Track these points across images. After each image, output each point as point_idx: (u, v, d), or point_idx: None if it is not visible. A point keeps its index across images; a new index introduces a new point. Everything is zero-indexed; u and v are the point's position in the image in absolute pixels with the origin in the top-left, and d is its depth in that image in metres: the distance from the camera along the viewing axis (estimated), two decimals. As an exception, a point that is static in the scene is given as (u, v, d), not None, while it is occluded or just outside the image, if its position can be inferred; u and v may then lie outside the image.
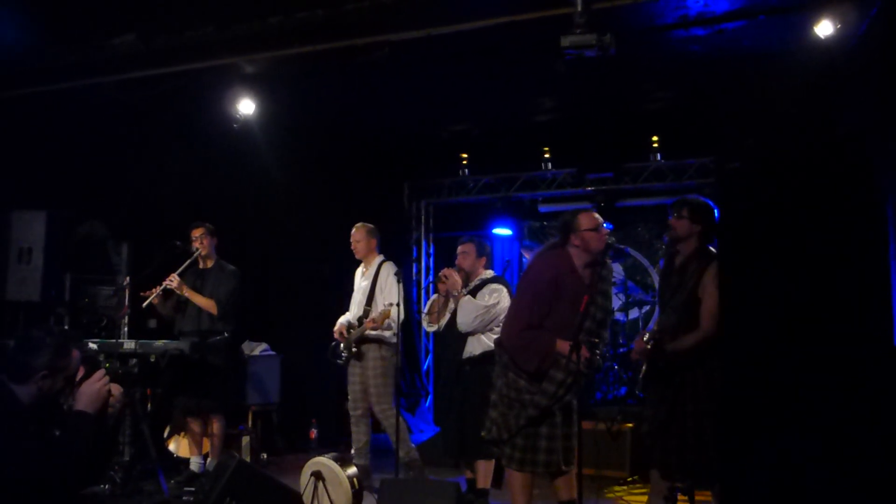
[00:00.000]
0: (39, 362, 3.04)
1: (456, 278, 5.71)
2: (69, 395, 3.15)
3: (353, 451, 6.34)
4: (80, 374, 3.15)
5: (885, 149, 3.69)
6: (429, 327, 6.19)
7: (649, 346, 4.38)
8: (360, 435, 6.37)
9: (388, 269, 6.37)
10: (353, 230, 6.53)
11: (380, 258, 6.50)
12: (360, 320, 6.30)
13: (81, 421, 3.03)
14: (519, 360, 4.55)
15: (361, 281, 6.52)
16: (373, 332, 6.20)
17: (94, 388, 3.09)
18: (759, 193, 3.22)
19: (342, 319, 6.53)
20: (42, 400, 3.06)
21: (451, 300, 5.79)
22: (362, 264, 6.59)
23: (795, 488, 2.97)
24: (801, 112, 5.88)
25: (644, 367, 4.52)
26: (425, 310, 6.29)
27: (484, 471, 5.60)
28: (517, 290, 4.86)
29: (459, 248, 5.89)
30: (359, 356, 6.28)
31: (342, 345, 6.39)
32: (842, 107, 5.11)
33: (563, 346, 4.39)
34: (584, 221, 4.60)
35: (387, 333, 6.22)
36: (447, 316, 5.87)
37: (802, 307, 3.01)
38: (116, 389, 3.17)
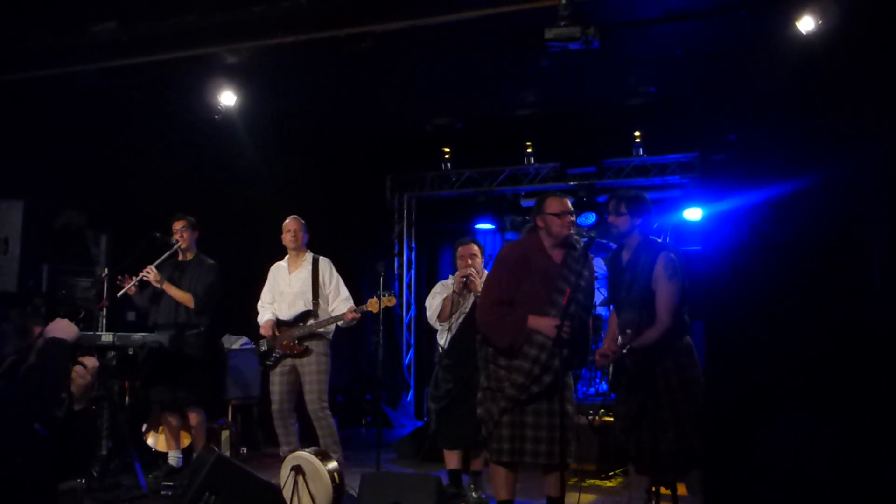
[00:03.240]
0: (7, 350, 3.03)
1: (478, 279, 5.66)
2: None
3: (282, 453, 5.95)
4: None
5: (868, 140, 3.70)
6: (439, 325, 5.98)
7: (625, 351, 4.32)
8: (290, 437, 6.14)
9: (330, 264, 6.27)
10: (291, 220, 6.35)
11: (311, 254, 6.34)
12: (304, 316, 6.11)
13: (55, 346, 2.98)
14: (492, 338, 4.58)
15: (293, 275, 6.30)
16: (320, 329, 6.06)
17: (64, 322, 3.06)
18: (743, 187, 3.22)
19: (267, 317, 6.26)
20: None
21: (463, 300, 5.75)
22: (286, 259, 6.41)
23: (781, 477, 2.99)
24: (784, 106, 5.90)
25: (611, 369, 4.53)
26: (436, 309, 5.98)
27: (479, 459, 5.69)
28: (490, 270, 4.90)
29: (466, 251, 5.81)
30: (302, 353, 6.04)
31: (266, 343, 6.16)
32: (824, 100, 5.14)
33: (535, 321, 4.43)
34: (549, 205, 4.64)
35: (329, 329, 6.12)
36: (460, 316, 5.78)
37: (787, 300, 3.02)
38: (91, 362, 3.11)
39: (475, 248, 5.84)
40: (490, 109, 9.12)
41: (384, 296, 5.90)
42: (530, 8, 5.32)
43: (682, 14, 6.40)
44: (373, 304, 5.92)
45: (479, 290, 5.54)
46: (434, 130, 9.68)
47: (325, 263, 6.29)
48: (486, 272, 5.89)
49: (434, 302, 5.97)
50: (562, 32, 5.09)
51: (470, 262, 5.75)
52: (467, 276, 5.66)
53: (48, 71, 6.50)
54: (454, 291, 5.76)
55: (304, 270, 6.28)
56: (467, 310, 5.77)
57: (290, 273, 6.34)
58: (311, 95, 8.17)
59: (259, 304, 6.46)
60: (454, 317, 5.83)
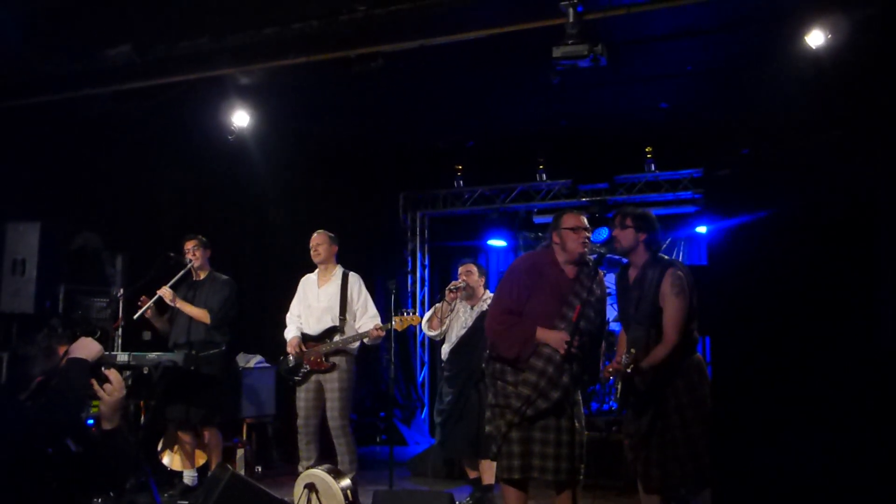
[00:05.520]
0: (35, 372, 3.11)
1: (469, 290, 6.37)
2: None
3: (300, 469, 5.98)
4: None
5: (878, 156, 3.70)
6: (429, 332, 6.51)
7: (629, 370, 4.26)
8: (311, 453, 6.17)
9: (359, 280, 6.32)
10: (315, 235, 6.38)
11: (341, 268, 6.37)
12: (330, 332, 6.15)
13: (75, 366, 3.05)
14: (500, 347, 4.57)
15: (322, 289, 6.33)
16: (347, 345, 6.11)
17: (86, 341, 3.14)
18: (747, 201, 3.23)
19: (294, 333, 6.31)
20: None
21: (461, 308, 6.34)
22: (316, 272, 6.43)
23: (790, 495, 2.97)
24: (794, 120, 5.90)
25: (620, 386, 4.50)
26: (427, 316, 6.55)
27: (490, 468, 5.93)
28: (500, 280, 4.95)
29: (464, 269, 6.40)
30: (329, 369, 6.09)
31: (294, 358, 6.20)
32: (834, 114, 5.14)
33: (544, 333, 4.43)
34: (565, 220, 4.67)
35: (354, 345, 6.17)
36: (446, 324, 6.34)
37: (790, 314, 3.01)
38: (115, 376, 3.15)
39: (472, 267, 6.42)
40: (501, 127, 9.16)
41: (409, 313, 6.17)
42: (538, 27, 5.35)
43: (692, 30, 6.42)
44: (397, 323, 6.06)
45: (467, 297, 6.32)
46: (446, 148, 9.73)
47: (354, 279, 6.31)
48: (486, 291, 6.41)
49: (428, 313, 6.58)
50: (570, 50, 5.11)
51: (465, 277, 6.33)
52: (457, 286, 6.28)
53: (64, 94, 6.59)
54: (444, 300, 6.34)
55: (333, 285, 6.29)
56: (469, 324, 6.24)
57: (318, 287, 6.36)
58: (324, 115, 8.23)
59: (287, 316, 6.47)
60: (447, 327, 6.36)
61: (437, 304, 6.49)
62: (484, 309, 6.23)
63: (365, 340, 6.16)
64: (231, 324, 6.66)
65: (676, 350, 4.33)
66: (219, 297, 6.53)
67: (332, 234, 6.43)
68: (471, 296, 6.34)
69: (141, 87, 6.52)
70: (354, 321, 6.22)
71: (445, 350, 6.40)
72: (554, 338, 4.40)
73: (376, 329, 6.02)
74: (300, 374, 6.19)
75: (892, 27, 5.39)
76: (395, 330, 6.10)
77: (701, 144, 8.55)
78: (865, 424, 2.79)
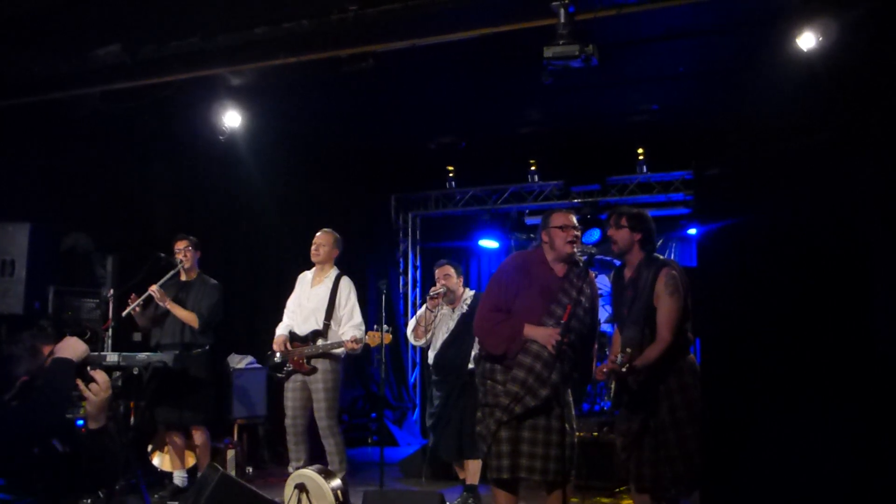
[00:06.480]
0: (19, 371, 3.09)
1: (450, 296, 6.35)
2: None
3: (290, 469, 5.94)
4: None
5: (868, 158, 3.71)
6: (416, 342, 6.53)
7: (624, 370, 4.21)
8: (300, 453, 6.14)
9: (350, 286, 6.25)
10: (320, 233, 6.34)
11: (336, 270, 6.32)
12: (314, 335, 6.12)
13: (60, 366, 3.03)
14: (488, 345, 4.57)
15: (313, 289, 6.30)
16: (328, 350, 6.08)
17: (72, 341, 3.11)
18: (737, 201, 3.23)
19: (282, 330, 6.29)
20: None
21: (443, 312, 6.34)
22: (313, 271, 6.38)
23: (779, 495, 2.97)
24: (785, 122, 5.91)
25: (613, 386, 4.50)
26: (411, 326, 6.56)
27: (473, 469, 6.06)
28: (490, 279, 4.96)
29: (441, 272, 6.37)
30: (310, 371, 6.06)
31: (279, 356, 6.20)
32: (825, 116, 5.15)
33: (531, 330, 4.43)
34: (554, 219, 4.67)
35: (339, 349, 6.11)
36: (431, 331, 6.35)
37: (781, 316, 3.01)
38: (101, 377, 3.13)
39: (449, 269, 6.38)
40: (494, 128, 9.16)
41: (386, 331, 6.06)
42: (529, 27, 5.34)
43: (684, 32, 6.43)
44: (371, 338, 6.01)
45: (448, 301, 6.32)
46: (437, 149, 9.72)
47: (345, 284, 6.24)
48: (465, 289, 6.47)
49: (411, 323, 6.60)
50: (561, 51, 5.09)
51: (444, 281, 6.30)
52: (437, 292, 6.26)
53: (53, 94, 6.55)
54: (427, 308, 6.36)
55: (324, 288, 6.25)
56: (452, 327, 6.27)
57: (311, 287, 6.34)
58: (315, 115, 8.23)
59: (285, 309, 6.46)
60: (431, 334, 6.36)
61: (420, 313, 6.49)
62: (465, 310, 6.28)
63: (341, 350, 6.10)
64: (216, 327, 6.65)
65: (670, 350, 4.33)
66: (207, 302, 6.52)
67: (339, 237, 6.38)
68: (452, 299, 6.35)
69: (131, 87, 6.48)
70: (339, 327, 6.16)
71: (431, 356, 6.41)
72: (541, 334, 4.40)
73: (351, 342, 5.94)
74: (284, 372, 6.19)
75: (883, 29, 5.40)
76: (369, 345, 6.07)
77: (693, 146, 8.57)
78: (856, 426, 2.79)
